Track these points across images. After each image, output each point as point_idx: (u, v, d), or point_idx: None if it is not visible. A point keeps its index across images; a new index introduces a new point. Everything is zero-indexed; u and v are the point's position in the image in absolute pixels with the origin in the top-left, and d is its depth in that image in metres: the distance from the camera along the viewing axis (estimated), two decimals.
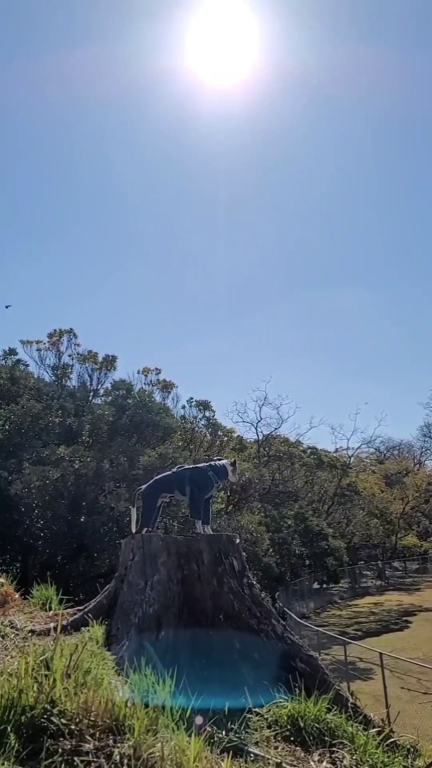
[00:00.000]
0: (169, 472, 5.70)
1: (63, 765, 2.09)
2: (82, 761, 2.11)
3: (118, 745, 2.21)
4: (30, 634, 4.67)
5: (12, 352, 26.43)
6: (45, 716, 2.30)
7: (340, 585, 44.40)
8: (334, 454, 53.08)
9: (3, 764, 1.97)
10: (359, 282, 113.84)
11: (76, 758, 2.13)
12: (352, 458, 55.34)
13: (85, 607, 5.19)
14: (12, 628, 4.76)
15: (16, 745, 2.11)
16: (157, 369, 28.56)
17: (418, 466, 66.94)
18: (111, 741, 2.24)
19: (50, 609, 6.13)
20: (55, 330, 26.84)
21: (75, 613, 5.27)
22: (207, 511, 5.46)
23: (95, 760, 2.13)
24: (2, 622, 4.85)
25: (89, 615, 4.76)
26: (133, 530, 5.41)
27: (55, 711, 2.32)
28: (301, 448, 48.40)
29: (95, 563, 19.70)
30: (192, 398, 27.96)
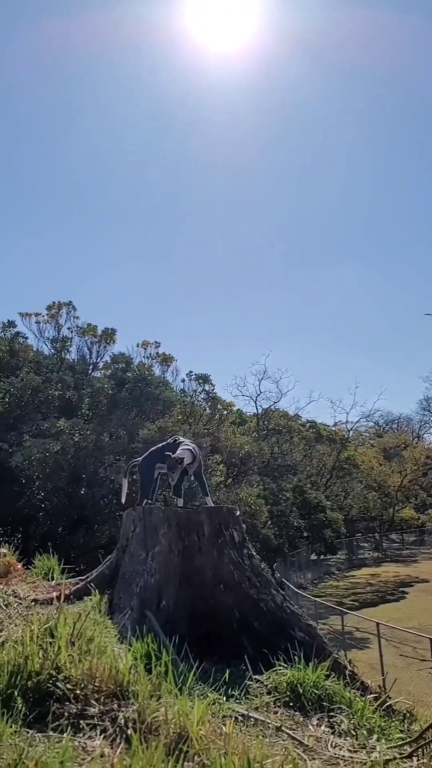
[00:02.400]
0: (164, 443, 5.69)
1: (69, 728, 2.15)
2: (87, 724, 2.17)
3: (123, 709, 2.27)
4: (33, 603, 4.74)
5: (11, 324, 26.37)
6: (50, 681, 2.35)
7: (338, 557, 44.92)
8: (333, 428, 53.31)
9: (11, 727, 2.02)
10: (359, 257, 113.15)
11: (81, 721, 2.18)
12: (351, 432, 55.60)
13: (88, 577, 5.26)
14: (15, 597, 4.83)
15: (23, 709, 2.17)
16: (156, 342, 28.56)
17: (416, 439, 67.25)
18: (115, 705, 2.30)
19: (52, 579, 6.21)
20: (54, 303, 26.75)
21: (77, 583, 5.34)
22: (178, 486, 5.42)
23: (101, 723, 2.19)
24: (6, 592, 4.92)
25: (92, 585, 4.82)
26: (123, 501, 5.44)
27: (60, 677, 2.37)
28: (300, 421, 48.57)
29: (95, 534, 19.89)
30: (191, 372, 27.99)
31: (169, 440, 5.74)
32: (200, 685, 2.93)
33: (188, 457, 5.37)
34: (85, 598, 4.74)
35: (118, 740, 2.08)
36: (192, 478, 5.51)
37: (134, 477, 5.58)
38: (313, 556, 42.15)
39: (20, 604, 4.67)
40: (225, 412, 31.87)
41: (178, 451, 5.41)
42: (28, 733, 2.08)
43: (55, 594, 4.92)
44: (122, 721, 2.16)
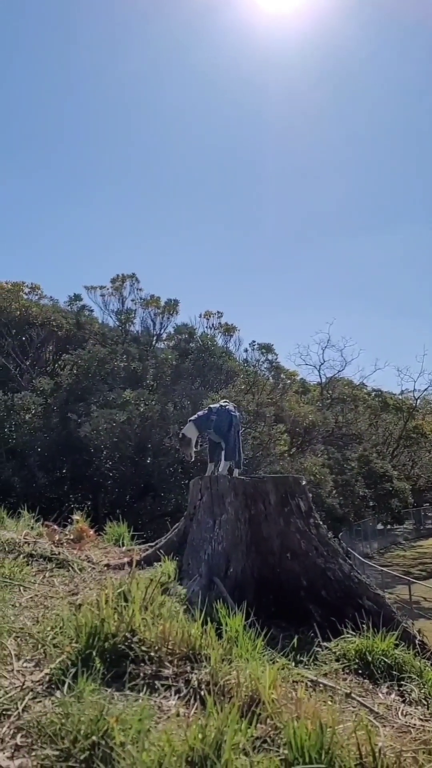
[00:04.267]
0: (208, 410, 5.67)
1: (145, 688, 2.23)
2: (162, 685, 2.25)
3: (195, 671, 2.34)
4: (106, 568, 4.91)
5: (77, 298, 26.93)
6: (126, 643, 2.44)
7: (405, 526, 44.39)
8: (400, 397, 52.21)
9: (90, 685, 2.11)
10: (427, 220, 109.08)
11: (156, 682, 2.27)
12: (419, 401, 54.30)
13: (157, 544, 5.39)
14: (89, 562, 5.02)
15: (101, 669, 2.26)
16: (219, 313, 28.55)
17: None
18: (188, 668, 2.37)
19: (123, 545, 6.41)
20: (118, 275, 27.08)
21: (147, 549, 5.49)
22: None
23: (174, 684, 2.27)
24: (80, 557, 5.11)
25: (161, 551, 4.95)
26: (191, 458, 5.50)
27: (135, 639, 2.46)
28: (365, 390, 47.84)
29: (162, 502, 20.32)
30: (254, 342, 27.91)
31: (213, 406, 5.71)
32: (269, 650, 2.98)
33: (190, 431, 5.42)
34: (155, 563, 4.87)
35: (192, 701, 2.15)
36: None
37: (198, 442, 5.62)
38: (380, 526, 41.82)
39: (93, 568, 4.85)
40: (288, 381, 31.73)
41: (185, 427, 5.47)
42: (106, 691, 2.17)
43: (126, 559, 5.08)
44: (195, 683, 2.22)
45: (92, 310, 27.26)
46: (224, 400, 5.84)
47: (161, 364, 21.77)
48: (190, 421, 5.52)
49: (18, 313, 24.37)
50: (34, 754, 1.76)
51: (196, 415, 5.61)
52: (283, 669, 2.65)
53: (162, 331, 26.54)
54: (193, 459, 5.63)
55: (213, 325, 28.07)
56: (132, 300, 26.69)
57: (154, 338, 26.18)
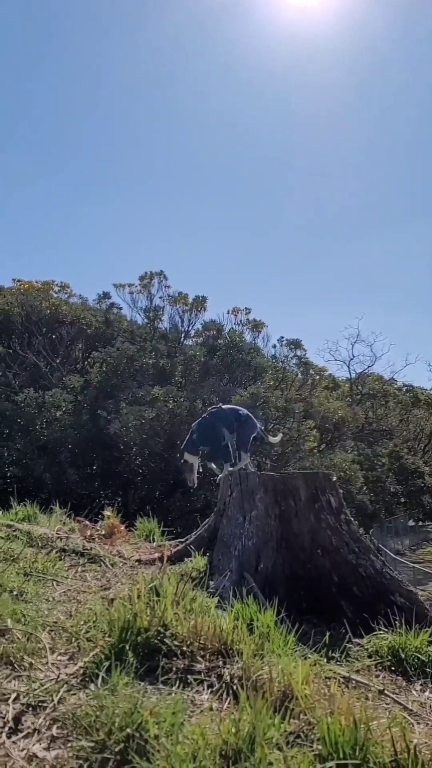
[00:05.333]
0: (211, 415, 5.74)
1: (177, 682, 2.25)
2: (195, 679, 2.26)
3: (228, 666, 2.35)
4: (137, 564, 4.95)
5: (106, 295, 27.13)
6: (158, 638, 2.46)
7: None
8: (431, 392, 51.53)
9: (124, 678, 2.13)
10: None
11: (189, 676, 2.28)
12: None
13: (187, 539, 5.42)
14: (120, 557, 5.06)
15: (134, 663, 2.29)
16: (247, 309, 28.49)
17: None
18: (220, 663, 2.38)
19: (153, 541, 6.45)
20: (146, 273, 27.19)
21: (177, 545, 5.51)
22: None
23: (207, 678, 2.28)
24: (111, 552, 5.16)
25: (191, 547, 4.98)
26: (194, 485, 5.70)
27: (167, 633, 2.48)
28: (395, 385, 47.31)
29: (191, 499, 20.38)
30: (282, 337, 27.79)
31: (223, 408, 5.77)
32: (301, 646, 2.97)
33: (189, 457, 5.62)
34: (186, 559, 4.90)
35: (224, 696, 2.16)
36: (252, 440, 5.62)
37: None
38: (411, 523, 41.38)
39: (125, 563, 4.89)
40: (317, 377, 31.53)
41: (185, 455, 5.57)
42: (139, 684, 2.19)
43: (157, 555, 5.12)
44: (228, 678, 2.23)
45: (121, 308, 27.48)
46: (227, 406, 5.95)
47: (189, 361, 21.82)
48: (182, 449, 5.71)
49: (48, 311, 24.64)
50: (69, 745, 1.79)
51: (184, 442, 5.73)
52: (314, 665, 2.64)
53: (190, 327, 26.63)
54: (195, 485, 5.74)
55: (241, 321, 28.05)
56: (160, 297, 26.82)
57: (182, 335, 26.25)
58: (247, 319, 28.39)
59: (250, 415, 5.87)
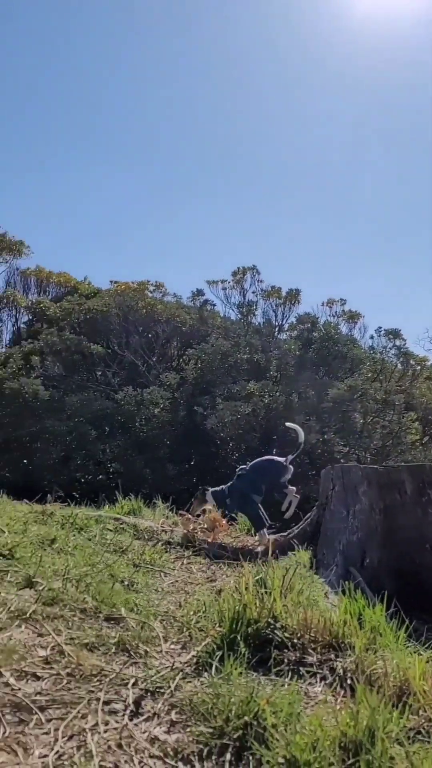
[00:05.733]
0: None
1: (289, 673, 2.26)
2: (307, 672, 2.26)
3: (340, 660, 2.34)
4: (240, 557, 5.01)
5: (199, 293, 27.45)
6: (269, 629, 2.48)
7: None
8: None
9: (236, 669, 2.17)
10: None
11: (301, 668, 2.28)
12: None
13: (289, 533, 5.41)
14: (223, 550, 5.13)
15: (246, 653, 2.32)
16: (342, 300, 28.00)
17: None
18: (332, 656, 2.37)
19: (254, 534, 6.49)
20: (238, 268, 27.29)
21: (279, 539, 5.52)
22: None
23: (319, 671, 2.27)
24: (214, 545, 5.24)
25: (294, 540, 4.97)
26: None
27: (277, 625, 2.49)
28: None
29: None
30: (380, 327, 27.08)
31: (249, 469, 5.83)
32: (413, 642, 2.91)
33: (210, 500, 5.79)
34: (289, 552, 4.90)
35: (338, 689, 2.15)
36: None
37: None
38: None
39: (228, 557, 4.96)
40: (418, 367, 30.47)
41: (207, 494, 5.85)
42: (252, 675, 2.22)
43: (259, 548, 5.15)
44: (341, 671, 2.22)
45: (214, 305, 27.72)
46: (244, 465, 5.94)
47: (284, 355, 21.71)
48: (210, 491, 5.84)
49: (144, 311, 25.25)
50: (188, 730, 1.84)
51: (217, 488, 5.86)
52: (427, 662, 2.58)
53: (284, 321, 26.49)
54: (195, 515, 5.83)
55: (336, 312, 27.60)
56: (253, 292, 26.82)
57: (276, 329, 26.15)
58: (343, 311, 27.91)
59: (273, 458, 5.90)
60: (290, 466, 5.67)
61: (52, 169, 57.34)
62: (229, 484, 5.80)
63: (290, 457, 5.75)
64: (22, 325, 30.89)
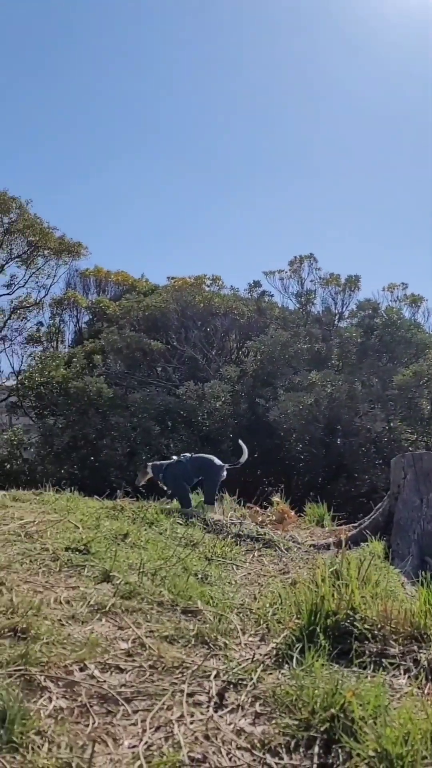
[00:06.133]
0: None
1: (372, 665, 2.23)
2: (390, 663, 2.23)
3: (423, 651, 2.29)
4: (311, 548, 4.97)
5: (256, 284, 27.32)
6: (348, 621, 2.46)
7: None
8: None
9: (318, 660, 2.15)
10: None
11: (383, 660, 2.25)
12: None
13: (361, 524, 5.35)
14: (294, 542, 5.11)
15: (326, 645, 2.30)
16: (403, 284, 27.27)
17: None
18: (415, 647, 2.33)
19: (323, 526, 6.45)
20: (295, 257, 26.98)
21: (350, 530, 5.46)
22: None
23: (402, 663, 2.23)
24: (284, 537, 5.23)
25: (366, 531, 4.90)
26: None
27: (356, 617, 2.46)
28: None
29: (356, 483, 20.03)
30: None
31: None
32: None
33: (151, 473, 6.37)
34: (361, 543, 4.84)
35: (423, 680, 2.10)
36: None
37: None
38: None
39: (299, 548, 4.93)
40: None
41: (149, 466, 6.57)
42: (333, 667, 2.20)
43: (331, 539, 5.10)
44: (425, 663, 2.18)
45: (272, 295, 27.50)
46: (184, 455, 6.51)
47: (345, 343, 21.36)
48: (151, 465, 6.53)
49: (201, 305, 25.33)
50: (274, 722, 1.84)
51: (158, 463, 6.53)
52: None
53: (344, 309, 26.00)
54: (139, 485, 6.56)
55: (398, 297, 26.89)
56: (311, 281, 26.44)
57: (336, 317, 25.73)
58: (405, 295, 27.19)
59: (214, 460, 6.41)
60: (224, 472, 6.27)
61: (105, 170, 58.16)
62: (168, 462, 6.40)
63: (227, 465, 6.36)
64: (83, 325, 31.52)
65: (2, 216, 24.39)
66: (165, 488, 6.28)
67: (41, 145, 56.84)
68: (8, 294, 26.00)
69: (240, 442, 6.99)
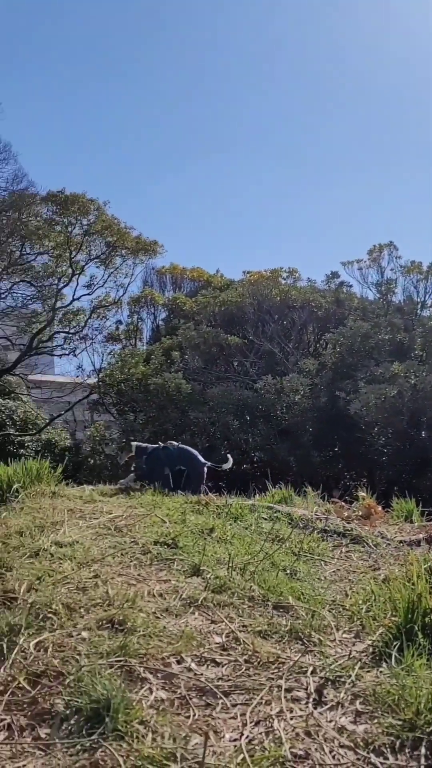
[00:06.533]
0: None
1: None
2: None
3: None
4: (401, 544, 4.85)
5: (334, 275, 26.89)
6: None
7: None
8: None
9: (418, 660, 2.10)
10: None
11: None
12: None
13: None
14: (382, 538, 5.00)
15: (426, 644, 2.24)
16: None
17: None
18: None
19: (412, 522, 6.28)
20: (374, 246, 26.41)
21: None
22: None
23: None
24: (372, 533, 5.12)
25: None
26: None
27: None
28: None
29: None
30: None
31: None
32: None
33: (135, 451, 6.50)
34: None
35: None
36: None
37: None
38: None
39: (388, 544, 4.82)
40: None
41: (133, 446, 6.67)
42: None
43: (421, 535, 4.97)
44: None
45: (350, 286, 27.00)
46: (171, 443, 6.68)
47: (429, 333, 20.73)
48: (135, 445, 6.64)
49: (278, 298, 25.18)
50: (376, 721, 1.81)
51: (143, 445, 6.69)
52: None
53: (427, 297, 25.25)
54: (121, 463, 6.72)
55: None
56: (391, 269, 25.80)
57: (419, 306, 24.98)
58: None
59: (199, 457, 6.58)
60: (205, 470, 6.43)
61: (181, 169, 58.82)
62: (154, 447, 6.55)
63: (209, 464, 6.51)
64: (160, 322, 32.00)
65: (81, 218, 25.04)
66: (139, 469, 6.38)
67: (120, 147, 58.17)
68: (89, 294, 26.69)
69: (228, 456, 7.36)
